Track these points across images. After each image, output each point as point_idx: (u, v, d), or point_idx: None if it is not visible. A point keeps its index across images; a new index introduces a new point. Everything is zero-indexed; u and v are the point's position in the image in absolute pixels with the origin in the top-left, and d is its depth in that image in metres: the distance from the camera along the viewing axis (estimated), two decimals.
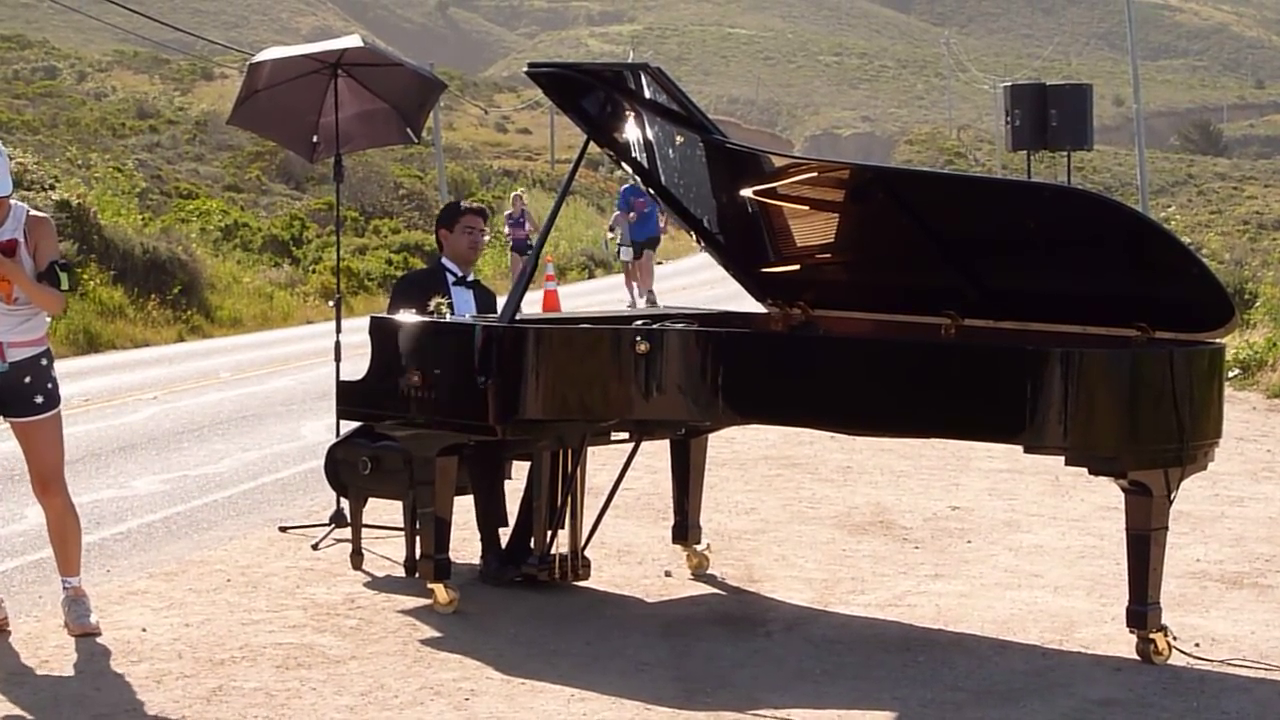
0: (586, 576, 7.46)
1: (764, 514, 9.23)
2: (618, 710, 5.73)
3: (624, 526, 8.68)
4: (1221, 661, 6.30)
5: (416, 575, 7.42)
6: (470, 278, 8.03)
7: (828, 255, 7.41)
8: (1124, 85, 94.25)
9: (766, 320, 7.72)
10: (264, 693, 5.89)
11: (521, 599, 7.22)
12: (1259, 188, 73.27)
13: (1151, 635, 6.27)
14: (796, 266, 7.52)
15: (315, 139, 9.23)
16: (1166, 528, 6.28)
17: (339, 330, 9.34)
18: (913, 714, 5.70)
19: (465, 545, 7.93)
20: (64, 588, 6.71)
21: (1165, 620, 6.35)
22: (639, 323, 7.06)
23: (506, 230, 28.19)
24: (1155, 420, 6.10)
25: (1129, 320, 6.47)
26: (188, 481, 10.41)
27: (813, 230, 7.37)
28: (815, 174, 7.23)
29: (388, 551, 8.12)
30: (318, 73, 8.95)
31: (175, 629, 6.72)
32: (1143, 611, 6.26)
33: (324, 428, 11.59)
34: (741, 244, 7.72)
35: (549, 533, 7.32)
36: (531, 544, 7.38)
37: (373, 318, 7.21)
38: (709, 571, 7.78)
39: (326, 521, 8.53)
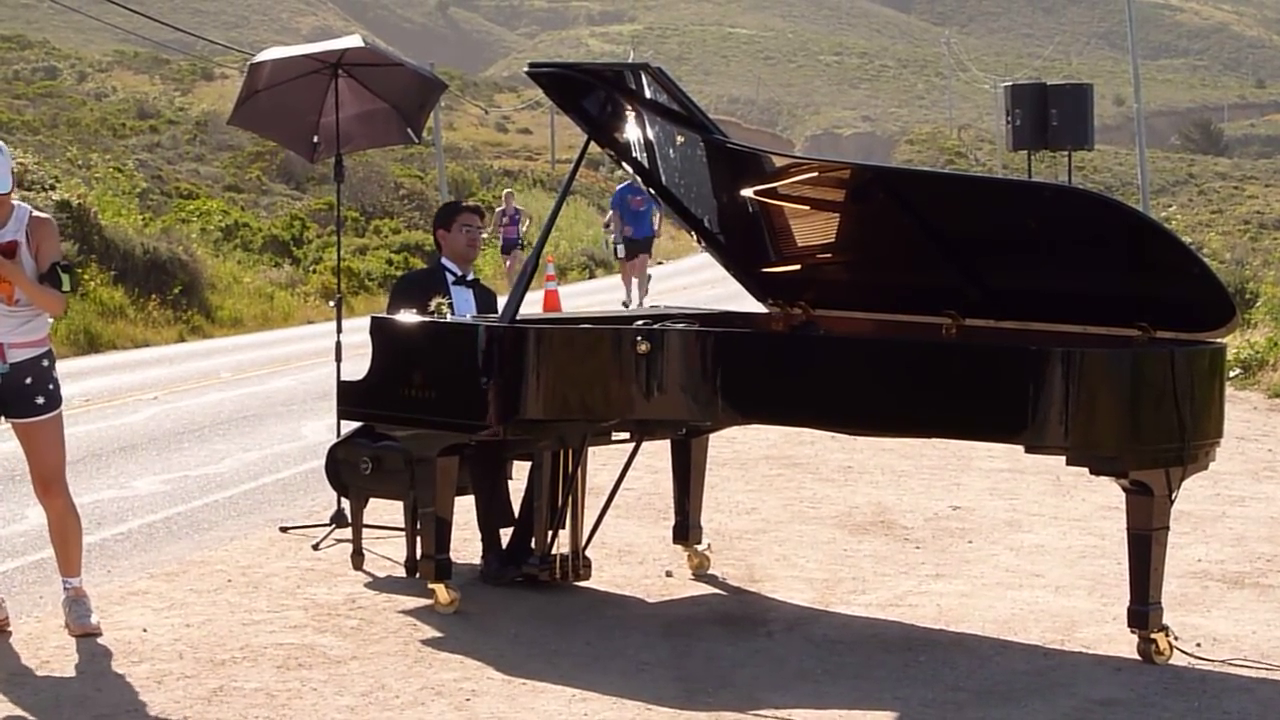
0: (587, 577, 7.46)
1: (765, 514, 9.23)
2: (619, 710, 5.73)
3: (625, 526, 8.68)
4: (1223, 661, 6.29)
5: (417, 575, 7.42)
6: (470, 276, 8.04)
7: (828, 255, 7.41)
8: (1125, 85, 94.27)
9: (767, 320, 7.71)
10: (265, 693, 5.89)
11: (522, 599, 7.22)
12: (1260, 187, 73.26)
13: (1153, 635, 6.27)
14: (797, 266, 7.52)
15: (316, 139, 9.23)
16: (1168, 527, 6.28)
17: (339, 330, 9.34)
18: (914, 714, 5.70)
19: (466, 545, 7.93)
20: (65, 588, 6.71)
21: (1166, 620, 6.35)
22: (639, 323, 7.05)
23: (499, 229, 28.14)
24: (1156, 420, 6.09)
25: (1130, 320, 6.47)
26: (188, 482, 10.41)
27: (813, 230, 7.37)
28: (816, 174, 7.23)
29: (388, 552, 8.12)
30: (318, 73, 8.95)
31: (176, 629, 6.72)
32: (1144, 611, 6.26)
33: (325, 428, 11.59)
34: (742, 244, 7.72)
35: (550, 533, 7.32)
36: (532, 544, 7.38)
37: (373, 318, 7.21)
38: (710, 571, 7.78)
39: (327, 522, 8.53)
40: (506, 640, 6.59)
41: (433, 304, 7.54)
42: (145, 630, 6.69)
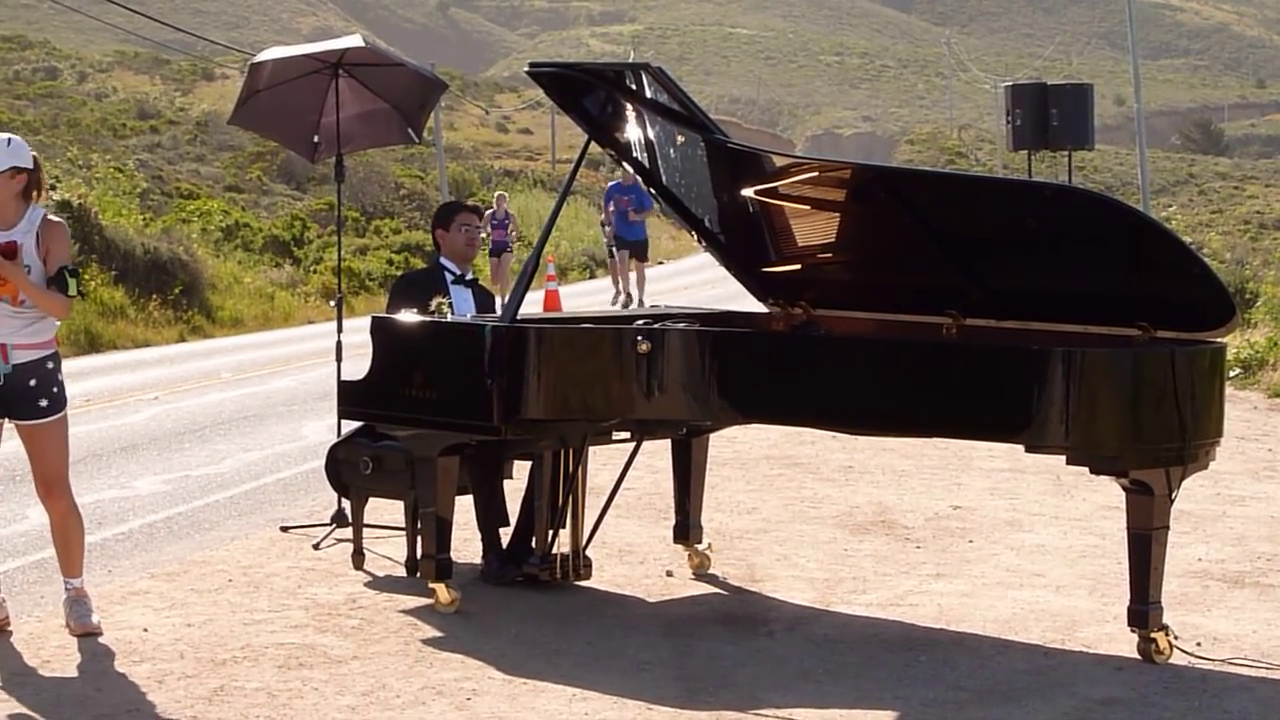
0: (588, 576, 7.46)
1: (765, 513, 9.23)
2: (620, 710, 5.73)
3: (625, 526, 8.68)
4: (1223, 661, 6.29)
5: (418, 575, 7.41)
6: (469, 276, 8.04)
7: (829, 255, 7.41)
8: (1125, 85, 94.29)
9: (768, 320, 7.71)
10: (266, 693, 5.89)
11: (523, 599, 7.22)
12: (1260, 187, 73.30)
13: (1153, 634, 6.27)
14: (798, 266, 7.52)
15: (316, 139, 9.23)
16: (1168, 527, 6.28)
17: (340, 330, 9.35)
18: (914, 713, 5.70)
19: (466, 545, 7.93)
20: (66, 588, 6.72)
21: (1167, 619, 6.35)
22: (640, 322, 7.06)
23: (489, 231, 28.08)
24: (1157, 419, 6.09)
25: (1130, 319, 6.47)
26: (189, 482, 10.42)
27: (814, 230, 7.37)
28: (816, 173, 7.23)
29: (389, 551, 8.12)
30: (319, 73, 8.95)
31: (177, 629, 6.72)
32: (1144, 611, 6.26)
33: (325, 428, 11.60)
34: (743, 243, 7.72)
35: (550, 532, 7.32)
36: (533, 544, 7.38)
37: (374, 318, 7.22)
38: (710, 571, 7.78)
39: (328, 521, 8.53)
40: (507, 640, 6.59)
41: (433, 304, 7.54)
42: (146, 630, 6.69)
